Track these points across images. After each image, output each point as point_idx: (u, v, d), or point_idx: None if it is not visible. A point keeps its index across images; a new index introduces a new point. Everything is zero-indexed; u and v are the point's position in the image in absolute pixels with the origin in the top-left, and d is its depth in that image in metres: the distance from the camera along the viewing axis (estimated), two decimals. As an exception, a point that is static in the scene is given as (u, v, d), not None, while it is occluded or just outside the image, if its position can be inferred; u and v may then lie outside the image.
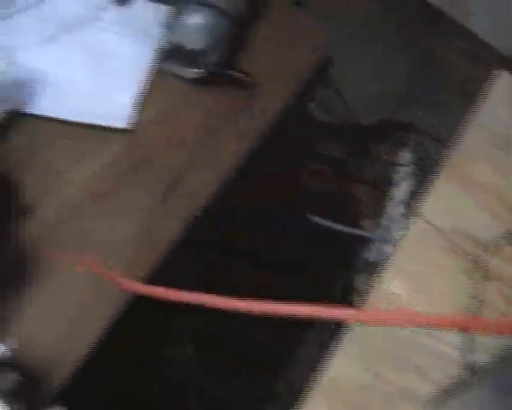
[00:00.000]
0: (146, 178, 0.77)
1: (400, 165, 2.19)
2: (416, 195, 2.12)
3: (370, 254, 1.88)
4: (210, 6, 0.80)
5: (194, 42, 0.78)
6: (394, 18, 2.57)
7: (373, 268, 1.94)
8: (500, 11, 2.29)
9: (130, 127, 0.79)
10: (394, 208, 2.13)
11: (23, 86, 0.77)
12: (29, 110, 0.77)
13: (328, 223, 1.51)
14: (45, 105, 0.77)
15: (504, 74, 0.89)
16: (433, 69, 2.37)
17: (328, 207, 2.08)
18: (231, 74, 0.84)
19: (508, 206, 0.77)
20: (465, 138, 0.83)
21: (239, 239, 1.47)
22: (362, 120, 2.32)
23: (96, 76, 0.82)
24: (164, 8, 0.87)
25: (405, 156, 2.24)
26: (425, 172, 2.20)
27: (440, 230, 0.74)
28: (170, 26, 0.81)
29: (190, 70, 0.82)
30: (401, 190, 2.16)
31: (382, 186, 2.15)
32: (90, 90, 0.80)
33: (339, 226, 1.53)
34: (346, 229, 1.50)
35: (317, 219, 1.50)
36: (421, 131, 2.29)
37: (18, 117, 0.76)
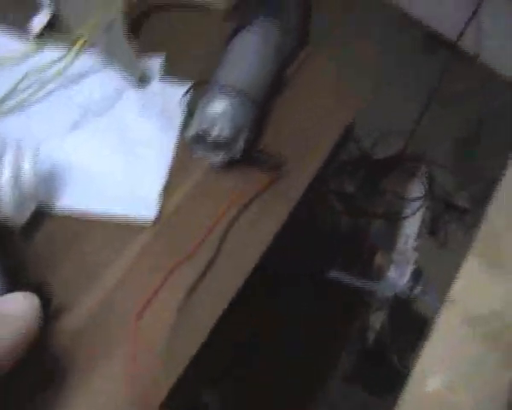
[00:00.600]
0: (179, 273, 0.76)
1: (411, 199, 2.19)
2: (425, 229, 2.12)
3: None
4: (233, 92, 0.78)
5: (218, 130, 0.76)
6: (404, 56, 2.58)
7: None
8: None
9: (157, 216, 0.78)
10: (406, 242, 2.12)
11: (48, 181, 0.76)
12: (55, 206, 0.75)
13: (342, 277, 1.50)
14: (71, 199, 0.76)
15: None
16: (443, 105, 2.38)
17: (341, 245, 2.08)
18: (257, 157, 0.83)
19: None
20: (494, 210, 0.82)
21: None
22: (373, 155, 2.32)
23: (122, 165, 0.80)
24: (183, 90, 0.86)
25: (416, 190, 2.24)
26: (435, 206, 2.20)
27: (476, 317, 0.73)
28: (193, 112, 0.80)
29: (216, 155, 0.81)
30: (412, 223, 2.16)
31: (394, 220, 2.15)
32: (117, 181, 0.79)
33: (350, 280, 1.52)
34: (358, 282, 1.49)
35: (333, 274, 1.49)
36: (430, 164, 2.29)
37: (43, 215, 0.75)
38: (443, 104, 2.37)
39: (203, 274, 0.75)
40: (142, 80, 0.88)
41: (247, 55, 0.83)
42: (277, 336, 1.59)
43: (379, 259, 2.01)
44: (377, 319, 1.88)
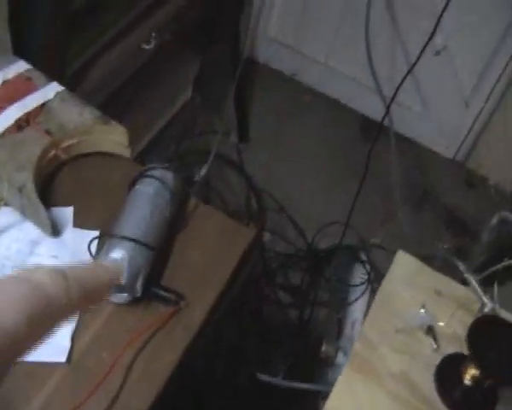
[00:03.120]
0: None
1: (355, 284, 2.29)
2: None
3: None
4: (130, 240, 0.90)
5: (118, 276, 0.87)
6: (343, 145, 2.74)
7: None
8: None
9: (68, 357, 0.88)
10: (352, 328, 2.21)
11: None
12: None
13: (277, 380, 1.59)
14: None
15: (401, 253, 1.00)
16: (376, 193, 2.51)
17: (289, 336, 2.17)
18: (158, 293, 0.93)
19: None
20: (368, 325, 0.92)
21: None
22: (315, 245, 2.44)
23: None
24: (92, 234, 0.97)
25: (358, 275, 2.35)
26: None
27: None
28: (96, 259, 0.91)
29: (120, 296, 0.91)
30: (357, 308, 2.25)
31: (338, 307, 2.24)
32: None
33: (287, 383, 1.60)
34: (295, 384, 1.58)
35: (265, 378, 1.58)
36: (371, 249, 2.41)
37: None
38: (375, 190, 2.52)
39: (112, 404, 0.85)
40: (55, 231, 0.99)
41: (143, 205, 0.95)
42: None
43: (326, 347, 2.09)
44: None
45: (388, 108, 2.20)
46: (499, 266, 1.00)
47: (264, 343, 2.00)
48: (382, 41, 2.61)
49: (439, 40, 2.55)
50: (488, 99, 2.63)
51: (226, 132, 2.62)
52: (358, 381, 0.87)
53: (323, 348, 2.09)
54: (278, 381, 1.63)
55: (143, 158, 2.10)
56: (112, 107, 2.06)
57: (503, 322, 0.84)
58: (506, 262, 1.02)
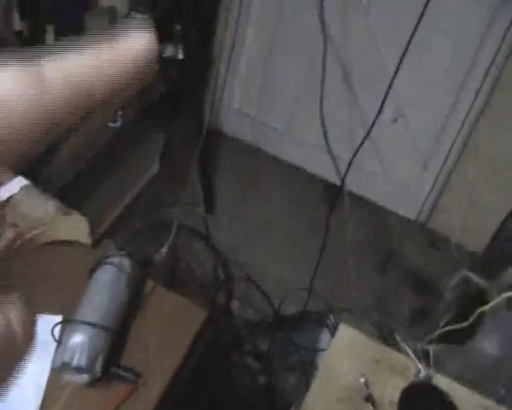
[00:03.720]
0: None
1: (322, 349, 2.35)
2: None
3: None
4: (89, 326, 0.97)
5: (77, 359, 0.94)
6: (307, 210, 2.84)
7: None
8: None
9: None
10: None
11: None
12: None
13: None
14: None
15: (343, 326, 1.08)
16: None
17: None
18: (116, 373, 1.00)
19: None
20: (312, 395, 1.00)
21: None
22: (282, 312, 2.51)
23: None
24: (55, 319, 1.04)
25: (326, 339, 2.41)
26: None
27: None
28: (59, 343, 0.98)
29: (80, 378, 0.98)
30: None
31: (308, 372, 2.30)
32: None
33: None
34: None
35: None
36: (337, 313, 2.49)
37: None
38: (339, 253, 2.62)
39: None
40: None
41: (102, 292, 1.03)
42: None
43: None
44: None
45: (345, 172, 2.31)
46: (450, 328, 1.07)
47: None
48: (340, 109, 2.75)
49: (394, 108, 2.69)
50: (445, 162, 2.75)
51: (193, 204, 2.71)
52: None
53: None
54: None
55: (112, 234, 2.17)
56: (79, 185, 2.15)
57: (433, 388, 0.92)
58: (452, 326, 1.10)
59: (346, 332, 1.08)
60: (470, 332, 1.96)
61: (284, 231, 2.81)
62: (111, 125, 2.29)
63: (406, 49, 2.11)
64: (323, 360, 1.02)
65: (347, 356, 1.04)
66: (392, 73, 2.22)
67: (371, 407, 0.99)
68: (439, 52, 2.48)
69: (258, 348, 2.43)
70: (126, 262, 1.07)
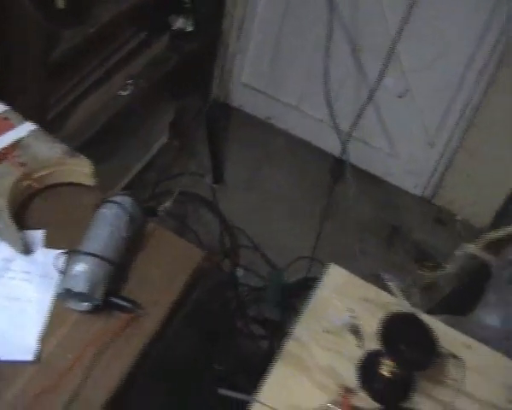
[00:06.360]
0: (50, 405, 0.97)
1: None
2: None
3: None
4: (91, 256, 1.03)
5: (79, 287, 1.00)
6: (313, 183, 2.88)
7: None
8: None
9: (36, 358, 1.00)
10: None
11: None
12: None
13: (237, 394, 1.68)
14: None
15: (333, 266, 1.13)
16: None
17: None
18: (116, 303, 1.06)
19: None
20: (300, 327, 1.05)
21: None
22: (287, 279, 2.56)
23: (4, 318, 1.03)
24: (60, 255, 1.10)
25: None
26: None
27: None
28: (63, 273, 1.04)
29: (81, 305, 1.04)
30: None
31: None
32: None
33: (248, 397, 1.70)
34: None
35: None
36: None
37: None
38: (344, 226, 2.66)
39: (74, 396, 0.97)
40: (28, 250, 1.12)
41: (103, 226, 1.09)
42: None
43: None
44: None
45: (344, 143, 2.35)
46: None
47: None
48: (348, 83, 2.79)
49: (401, 83, 2.72)
50: (451, 138, 2.78)
51: (201, 174, 2.76)
52: (289, 374, 0.99)
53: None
54: (238, 394, 1.72)
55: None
56: (90, 151, 2.21)
57: (414, 319, 0.97)
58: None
59: (336, 272, 1.13)
60: (472, 305, 2.00)
61: (291, 203, 2.86)
62: (121, 93, 2.33)
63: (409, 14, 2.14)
64: (313, 297, 1.07)
65: (337, 293, 1.09)
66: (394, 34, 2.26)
67: (355, 339, 1.04)
68: (447, 24, 2.50)
69: (261, 314, 2.48)
70: (128, 201, 1.13)
